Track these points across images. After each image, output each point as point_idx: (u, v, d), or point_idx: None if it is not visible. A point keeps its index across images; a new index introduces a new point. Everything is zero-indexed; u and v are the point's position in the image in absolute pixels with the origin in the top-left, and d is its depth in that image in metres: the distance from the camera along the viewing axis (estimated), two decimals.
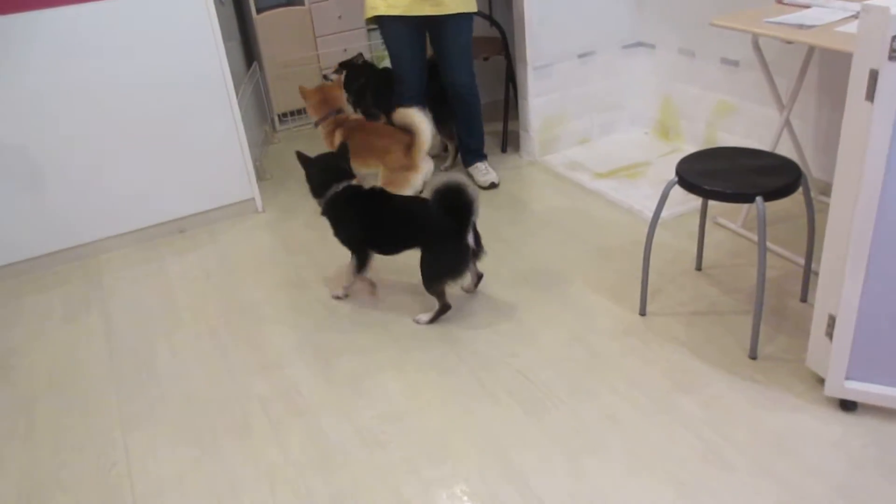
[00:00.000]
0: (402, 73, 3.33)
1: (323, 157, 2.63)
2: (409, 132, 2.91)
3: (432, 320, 2.53)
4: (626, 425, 2.02)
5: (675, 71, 3.62)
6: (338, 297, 2.70)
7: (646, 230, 2.40)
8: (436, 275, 2.47)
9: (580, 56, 3.66)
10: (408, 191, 2.94)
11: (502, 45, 3.81)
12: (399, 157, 2.96)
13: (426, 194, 2.54)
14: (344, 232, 2.62)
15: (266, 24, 4.22)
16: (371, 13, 3.20)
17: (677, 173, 2.23)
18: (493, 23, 3.82)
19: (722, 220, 2.96)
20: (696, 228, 2.67)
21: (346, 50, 4.36)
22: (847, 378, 1.94)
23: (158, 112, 3.13)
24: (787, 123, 2.76)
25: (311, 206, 3.20)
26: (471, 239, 2.39)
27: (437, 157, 3.78)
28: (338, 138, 3.13)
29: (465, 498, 1.85)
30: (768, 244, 2.66)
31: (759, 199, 2.06)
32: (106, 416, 2.27)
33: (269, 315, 2.67)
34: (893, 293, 1.80)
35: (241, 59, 4.15)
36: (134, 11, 2.94)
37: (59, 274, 3.13)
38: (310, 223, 3.30)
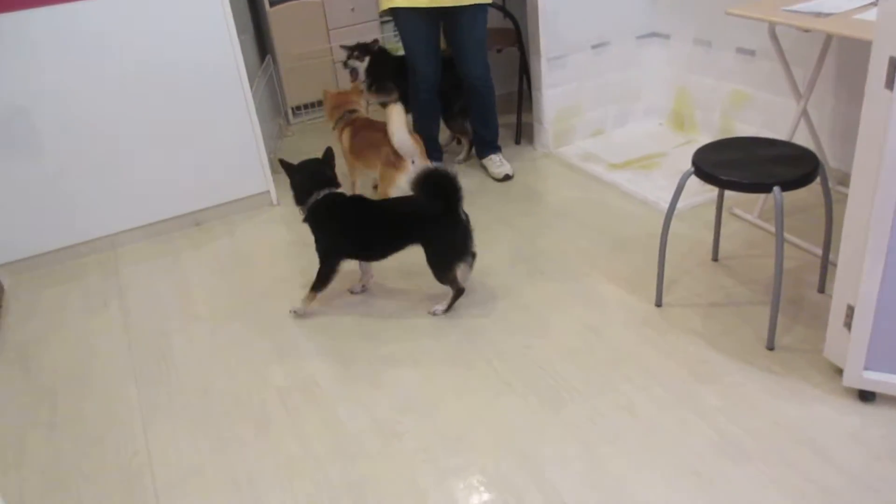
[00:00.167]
0: (417, 65, 3.32)
1: (307, 164, 2.55)
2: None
3: (448, 308, 2.54)
4: (643, 416, 2.02)
5: (689, 61, 3.59)
6: (296, 312, 2.63)
7: (660, 221, 2.39)
8: (446, 264, 2.47)
9: (594, 47, 3.64)
10: (394, 191, 2.88)
11: (516, 37, 3.79)
12: (388, 155, 2.90)
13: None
14: (324, 240, 2.56)
15: (279, 16, 4.23)
16: (386, 4, 3.19)
17: (694, 163, 2.22)
18: (507, 14, 3.81)
19: (738, 211, 2.94)
20: (711, 219, 2.66)
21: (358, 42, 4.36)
22: (865, 368, 1.93)
23: (174, 106, 3.16)
24: (805, 113, 2.74)
25: None
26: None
27: (449, 150, 3.78)
28: (346, 136, 3.14)
29: (482, 488, 1.86)
30: (785, 234, 2.64)
31: (776, 188, 2.05)
32: (126, 408, 2.30)
33: (284, 307, 2.68)
34: None
35: (254, 52, 4.16)
36: (149, 4, 2.96)
37: (77, 267, 3.17)
38: None
